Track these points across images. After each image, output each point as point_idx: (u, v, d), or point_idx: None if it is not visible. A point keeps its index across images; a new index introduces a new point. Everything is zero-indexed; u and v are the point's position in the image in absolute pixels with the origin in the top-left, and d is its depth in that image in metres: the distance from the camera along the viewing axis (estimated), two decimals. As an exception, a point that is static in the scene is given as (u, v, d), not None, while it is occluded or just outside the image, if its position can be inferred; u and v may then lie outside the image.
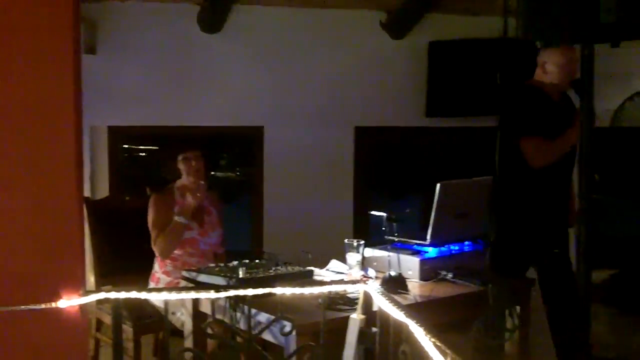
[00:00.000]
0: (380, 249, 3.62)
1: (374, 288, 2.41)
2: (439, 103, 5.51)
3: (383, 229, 3.48)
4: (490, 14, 4.82)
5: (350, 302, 2.97)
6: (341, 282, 3.24)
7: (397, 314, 2.13)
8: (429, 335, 1.87)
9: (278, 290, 2.40)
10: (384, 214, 3.45)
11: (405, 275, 3.41)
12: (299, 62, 5.48)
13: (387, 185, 6.02)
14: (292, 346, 2.74)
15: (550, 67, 3.79)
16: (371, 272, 3.58)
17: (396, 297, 2.57)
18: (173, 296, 2.61)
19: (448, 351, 1.80)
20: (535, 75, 3.91)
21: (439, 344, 1.83)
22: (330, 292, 2.81)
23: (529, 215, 3.82)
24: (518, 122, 3.82)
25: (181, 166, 3.90)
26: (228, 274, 3.04)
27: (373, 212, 3.54)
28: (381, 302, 2.33)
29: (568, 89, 3.88)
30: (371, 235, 4.56)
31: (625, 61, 5.76)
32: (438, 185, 3.46)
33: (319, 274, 3.53)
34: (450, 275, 3.45)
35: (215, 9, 5.06)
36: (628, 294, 5.75)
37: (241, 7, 5.19)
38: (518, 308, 3.56)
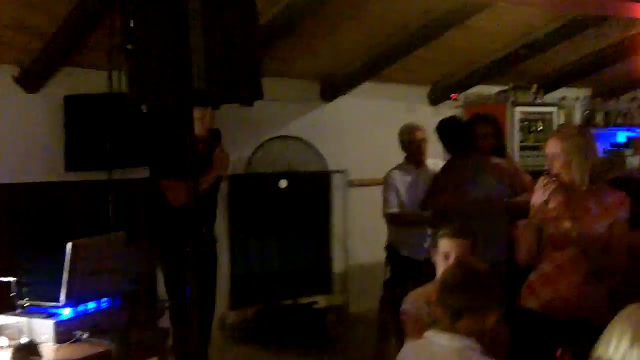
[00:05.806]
0: (11, 315, 3.46)
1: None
2: (79, 157, 5.41)
3: (12, 294, 3.33)
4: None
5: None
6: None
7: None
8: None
9: None
10: (12, 279, 3.31)
11: (40, 340, 3.32)
12: None
13: (30, 244, 5.70)
14: None
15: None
16: (3, 341, 3.39)
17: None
18: None
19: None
20: None
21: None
22: None
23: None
24: (157, 166, 4.41)
25: None
26: None
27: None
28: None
29: (206, 138, 4.35)
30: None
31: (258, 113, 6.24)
32: (68, 244, 3.42)
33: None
34: (85, 335, 3.41)
35: None
36: (271, 329, 6.16)
37: None
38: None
